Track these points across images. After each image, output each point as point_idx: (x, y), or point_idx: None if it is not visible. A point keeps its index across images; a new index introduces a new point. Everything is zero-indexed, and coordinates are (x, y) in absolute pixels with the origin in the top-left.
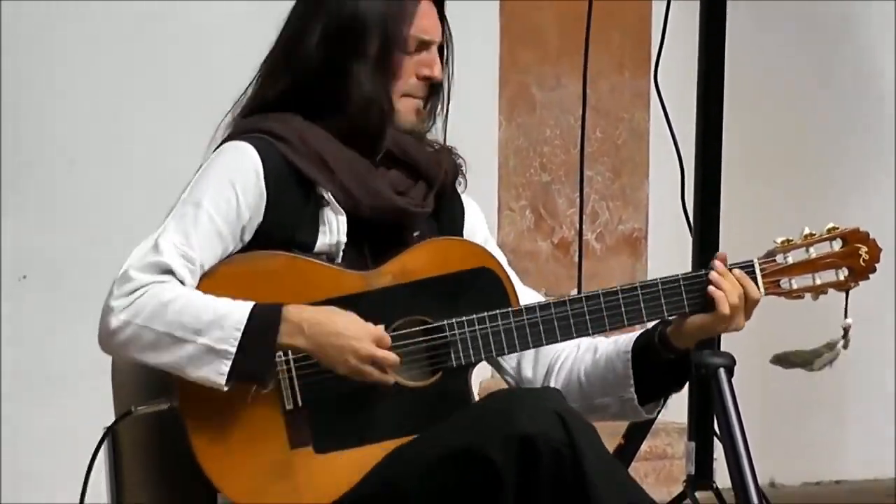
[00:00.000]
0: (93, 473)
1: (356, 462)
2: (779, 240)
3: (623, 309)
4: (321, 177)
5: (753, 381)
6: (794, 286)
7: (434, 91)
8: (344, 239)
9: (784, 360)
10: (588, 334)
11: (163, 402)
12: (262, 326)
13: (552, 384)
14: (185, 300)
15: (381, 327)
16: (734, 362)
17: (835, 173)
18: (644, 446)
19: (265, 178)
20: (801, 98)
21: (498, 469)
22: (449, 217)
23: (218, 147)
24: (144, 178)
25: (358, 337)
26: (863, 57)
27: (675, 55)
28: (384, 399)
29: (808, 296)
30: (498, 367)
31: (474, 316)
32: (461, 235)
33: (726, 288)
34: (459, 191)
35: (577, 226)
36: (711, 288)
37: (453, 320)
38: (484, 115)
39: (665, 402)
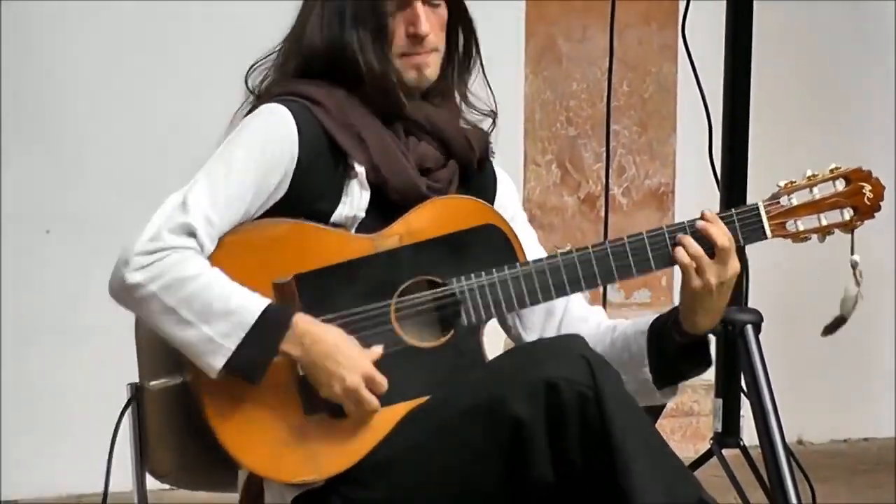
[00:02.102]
0: (119, 432)
1: (375, 424)
2: (782, 182)
3: (630, 258)
4: (355, 150)
5: (780, 338)
6: (801, 228)
7: (450, 47)
8: (363, 214)
9: (832, 327)
10: (596, 284)
11: (176, 377)
12: (269, 330)
13: None
14: (204, 282)
15: (377, 351)
16: (761, 318)
17: (864, 126)
18: (670, 404)
19: (300, 145)
20: (829, 49)
21: (522, 419)
22: (479, 188)
23: (252, 109)
24: (169, 132)
25: (350, 368)
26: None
27: (702, 6)
28: (399, 361)
29: (814, 237)
30: (517, 341)
31: (483, 273)
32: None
33: (709, 235)
34: (493, 161)
35: (604, 180)
36: (676, 250)
37: (461, 278)
38: (510, 69)
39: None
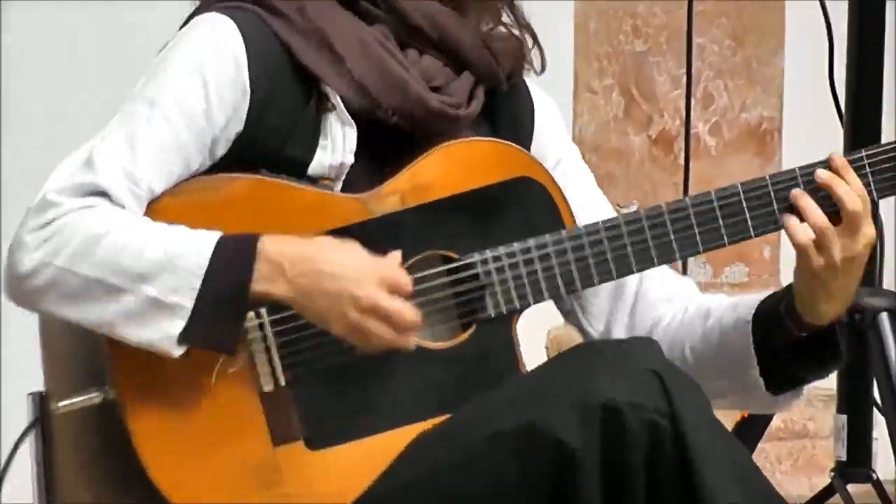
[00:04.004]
0: (20, 468)
1: (367, 458)
2: None
3: (721, 222)
4: (328, 70)
5: None
6: None
7: None
8: (350, 159)
9: None
10: (673, 258)
11: (93, 394)
12: (231, 269)
13: None
14: (123, 232)
15: (396, 260)
16: None
17: None
18: (776, 421)
19: (249, 66)
20: None
21: (570, 448)
22: (510, 120)
23: (185, 23)
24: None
25: (361, 279)
26: None
27: None
28: (399, 368)
29: None
30: (580, 330)
31: (515, 245)
32: (527, 146)
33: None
34: (532, 80)
35: (684, 113)
36: (785, 217)
37: (486, 253)
38: None
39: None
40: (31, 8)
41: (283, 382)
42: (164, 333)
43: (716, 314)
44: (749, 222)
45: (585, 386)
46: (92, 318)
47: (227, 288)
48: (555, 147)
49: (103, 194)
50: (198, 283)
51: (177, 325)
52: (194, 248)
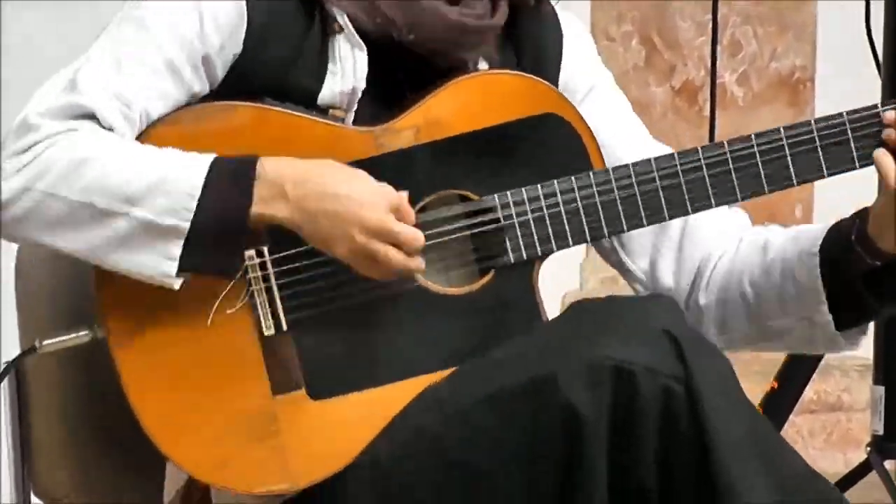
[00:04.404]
0: None
1: (371, 411)
2: None
3: (759, 162)
4: None
5: None
6: None
7: None
8: (362, 84)
9: None
10: (709, 204)
11: (81, 332)
12: (229, 190)
13: (702, 298)
14: (111, 154)
15: (402, 194)
16: None
17: None
18: (808, 392)
19: None
20: None
21: (578, 409)
22: (535, 45)
23: None
24: None
25: (368, 202)
26: None
27: None
28: (409, 315)
29: None
30: (621, 269)
31: (538, 186)
32: (555, 74)
33: None
34: (556, 7)
35: (709, 62)
36: (888, 131)
37: (507, 194)
38: None
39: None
40: (31, 8)
41: (284, 327)
42: (161, 256)
43: (775, 247)
44: (822, 161)
45: (597, 345)
46: (80, 245)
47: (226, 209)
48: (587, 75)
49: (90, 117)
50: (193, 205)
51: (174, 247)
52: (188, 168)
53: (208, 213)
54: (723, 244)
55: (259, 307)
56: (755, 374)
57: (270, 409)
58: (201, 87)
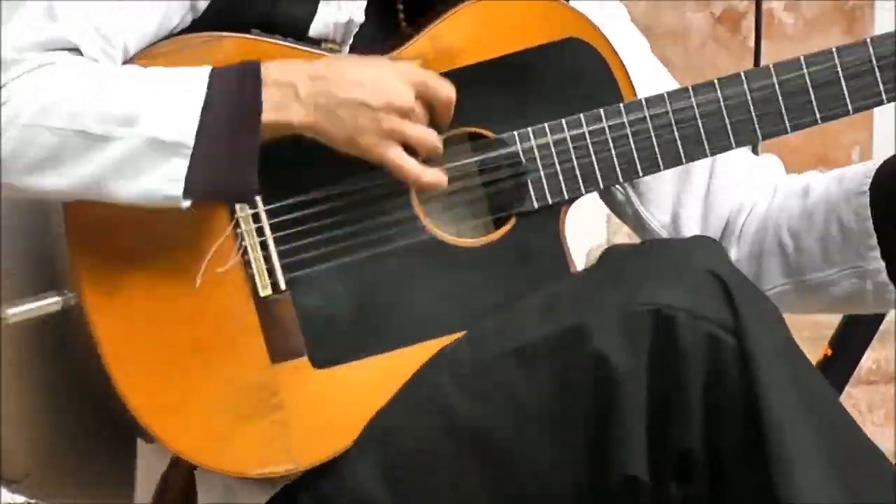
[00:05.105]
0: None
1: (382, 378)
2: None
3: (811, 89)
4: None
5: None
6: None
7: None
8: (360, 16)
9: None
10: (752, 138)
11: (51, 299)
12: (236, 97)
13: (733, 252)
14: (98, 76)
15: (425, 72)
16: None
17: None
18: (867, 361)
19: None
20: None
21: (612, 367)
22: None
23: None
24: None
25: (388, 79)
26: None
27: None
28: (421, 270)
29: None
30: (638, 225)
31: (562, 120)
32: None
33: None
34: None
35: None
36: None
37: (527, 130)
38: None
39: None
40: None
41: (282, 286)
42: (164, 178)
43: (818, 189)
44: (881, 86)
45: (631, 290)
46: (72, 179)
47: (235, 117)
48: (596, 8)
49: (73, 50)
50: (197, 115)
51: (180, 164)
52: (186, 79)
53: (215, 123)
54: (755, 193)
55: (253, 264)
56: (806, 341)
57: (270, 380)
58: (183, 17)
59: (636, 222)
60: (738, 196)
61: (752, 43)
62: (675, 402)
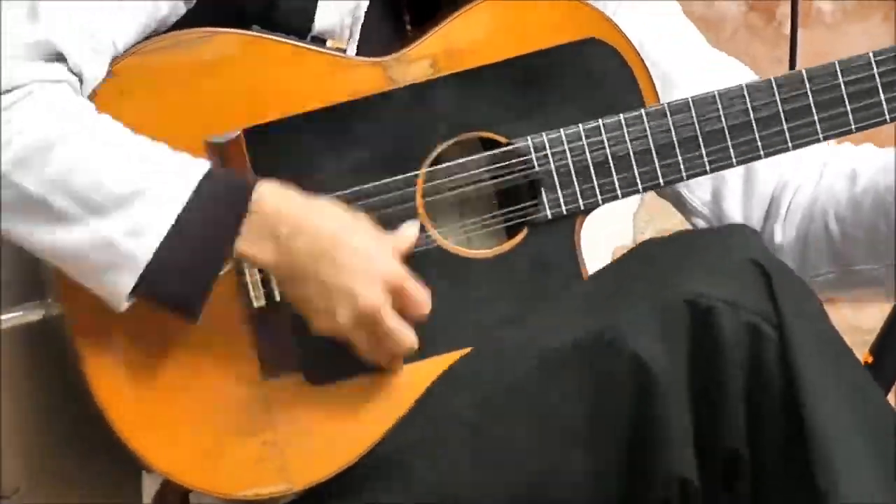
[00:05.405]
0: None
1: (384, 396)
2: None
3: (845, 97)
4: None
5: None
6: None
7: None
8: (362, 11)
9: None
10: (785, 149)
11: (33, 309)
12: (213, 217)
13: (778, 234)
14: (83, 141)
15: (414, 229)
16: None
17: None
18: None
19: None
20: None
21: (648, 366)
22: None
23: None
24: None
25: (366, 272)
26: None
27: None
28: (428, 281)
29: None
30: (678, 203)
31: (579, 126)
32: None
33: None
34: None
35: None
36: None
37: (542, 136)
38: None
39: None
40: None
41: (277, 297)
42: (111, 288)
43: (866, 175)
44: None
45: (666, 281)
46: (23, 236)
47: (202, 242)
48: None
49: (56, 56)
50: (163, 231)
51: (126, 281)
52: (171, 181)
53: (179, 248)
54: (802, 170)
55: (247, 273)
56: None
57: (262, 397)
58: (173, 8)
59: (676, 200)
60: (783, 173)
61: (787, 30)
62: (718, 399)
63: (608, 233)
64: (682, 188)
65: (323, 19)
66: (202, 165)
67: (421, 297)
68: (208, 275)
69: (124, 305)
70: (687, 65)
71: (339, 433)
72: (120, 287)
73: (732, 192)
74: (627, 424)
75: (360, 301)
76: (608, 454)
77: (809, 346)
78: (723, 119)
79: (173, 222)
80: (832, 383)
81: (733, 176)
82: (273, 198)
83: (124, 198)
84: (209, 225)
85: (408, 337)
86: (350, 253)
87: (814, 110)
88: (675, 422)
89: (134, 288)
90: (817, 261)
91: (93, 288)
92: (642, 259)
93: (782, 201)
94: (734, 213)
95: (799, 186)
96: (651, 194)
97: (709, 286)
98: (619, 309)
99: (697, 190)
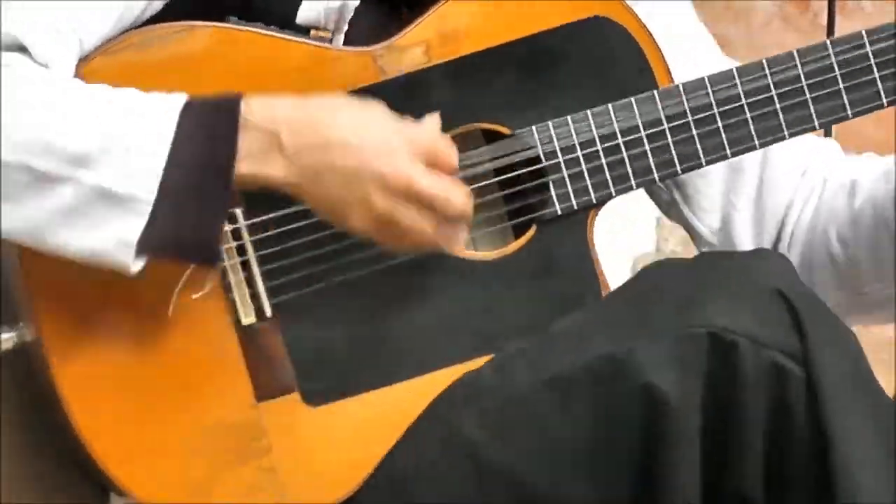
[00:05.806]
0: None
1: (385, 415)
2: None
3: (874, 67)
4: None
5: None
6: None
7: None
8: (355, 1)
9: None
10: (812, 127)
11: (2, 335)
12: (206, 143)
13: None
14: (52, 99)
15: (434, 123)
16: None
17: None
18: None
19: None
20: None
21: (663, 397)
22: None
23: None
24: None
25: (388, 148)
26: None
27: None
28: (429, 288)
29: None
30: (688, 228)
31: (587, 113)
32: None
33: None
34: None
35: None
36: None
37: (548, 125)
38: None
39: None
40: None
41: (268, 312)
42: (116, 238)
43: (864, 187)
44: None
45: (685, 309)
46: (16, 222)
47: (203, 170)
48: None
49: (18, 48)
50: (160, 165)
51: (133, 226)
52: (153, 115)
53: (179, 177)
54: (806, 186)
55: (234, 288)
56: (881, 363)
57: (255, 420)
58: (145, 7)
59: (685, 225)
60: (790, 192)
61: (823, 20)
62: (733, 442)
63: (629, 241)
64: (690, 215)
65: (308, 10)
66: (180, 96)
67: (450, 150)
68: (219, 204)
69: (136, 266)
70: (696, 68)
71: (340, 455)
72: (128, 235)
73: (743, 220)
74: (635, 453)
75: (388, 177)
76: (615, 484)
77: (838, 386)
78: (742, 98)
79: (167, 155)
80: (863, 425)
81: (744, 202)
82: (263, 106)
83: (108, 141)
84: (206, 149)
85: (456, 192)
86: (363, 129)
87: (840, 84)
88: (681, 457)
89: (143, 244)
90: (825, 287)
91: (99, 251)
92: (661, 281)
93: (786, 223)
94: (744, 240)
95: (804, 205)
96: None
97: (731, 317)
98: (636, 335)
99: (706, 217)
